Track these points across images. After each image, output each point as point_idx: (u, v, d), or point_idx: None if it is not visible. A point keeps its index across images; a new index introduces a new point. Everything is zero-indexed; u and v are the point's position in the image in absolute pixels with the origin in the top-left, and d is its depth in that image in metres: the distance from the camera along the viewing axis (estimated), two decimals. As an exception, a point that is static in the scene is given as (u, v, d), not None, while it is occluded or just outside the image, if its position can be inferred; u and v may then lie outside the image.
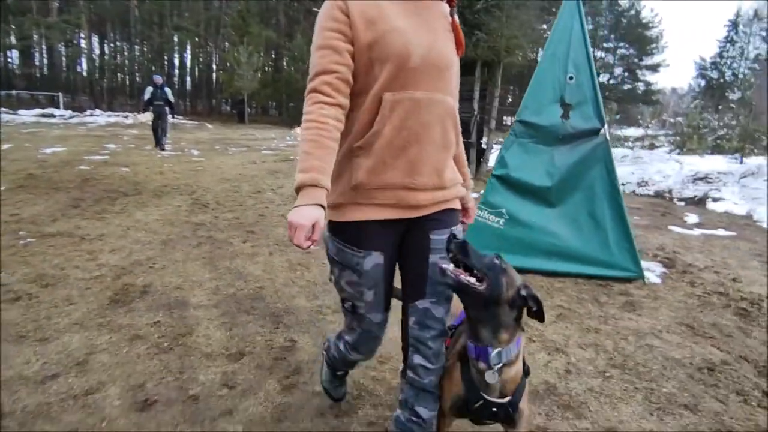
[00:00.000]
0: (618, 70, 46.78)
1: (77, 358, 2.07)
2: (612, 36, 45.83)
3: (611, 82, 45.55)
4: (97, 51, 39.77)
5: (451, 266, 1.21)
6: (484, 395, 1.23)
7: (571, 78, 3.45)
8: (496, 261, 1.20)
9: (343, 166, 1.26)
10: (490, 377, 1.19)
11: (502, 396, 1.23)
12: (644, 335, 2.57)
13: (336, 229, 1.30)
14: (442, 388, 1.35)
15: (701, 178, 7.67)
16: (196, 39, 39.00)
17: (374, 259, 1.28)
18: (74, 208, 4.94)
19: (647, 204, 6.94)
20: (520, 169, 3.47)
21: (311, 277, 3.23)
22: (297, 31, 33.39)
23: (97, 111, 29.80)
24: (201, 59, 42.63)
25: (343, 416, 1.78)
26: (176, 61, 42.64)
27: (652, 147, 17.38)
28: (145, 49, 38.13)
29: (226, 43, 36.85)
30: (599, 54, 45.45)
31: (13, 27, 31.81)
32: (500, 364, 1.18)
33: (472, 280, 1.18)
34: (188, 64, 43.19)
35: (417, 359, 1.32)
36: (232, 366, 2.07)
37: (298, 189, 1.11)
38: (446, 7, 1.33)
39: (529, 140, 3.49)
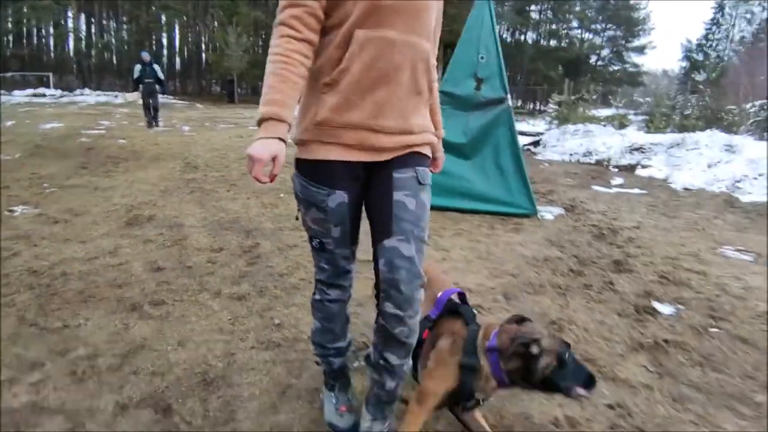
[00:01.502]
0: (605, 52, 47.41)
1: (109, 251, 3.04)
2: (600, 17, 46.32)
3: (599, 63, 46.32)
4: (84, 31, 39.79)
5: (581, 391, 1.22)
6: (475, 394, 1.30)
7: (482, 57, 4.39)
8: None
9: (309, 101, 1.23)
10: None
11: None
12: (512, 244, 3.58)
13: (301, 166, 1.28)
14: (435, 379, 1.33)
15: (637, 149, 8.67)
16: (184, 18, 39.13)
17: (338, 198, 1.25)
18: (83, 169, 5.85)
19: (585, 170, 7.94)
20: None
21: (278, 212, 4.20)
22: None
23: (87, 90, 30.22)
24: (190, 39, 42.76)
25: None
26: (164, 41, 42.73)
27: (622, 126, 18.38)
28: (133, 28, 38.19)
29: (216, 23, 37.08)
30: (587, 35, 46.20)
31: (10, 11, 31.92)
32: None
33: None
34: (177, 44, 43.30)
35: (387, 307, 1.23)
36: (214, 254, 3.06)
37: (260, 122, 1.09)
38: None
39: (448, 107, 4.42)
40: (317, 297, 1.46)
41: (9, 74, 31.49)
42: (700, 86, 22.94)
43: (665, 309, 2.56)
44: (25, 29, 36.27)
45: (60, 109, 17.70)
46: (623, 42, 46.21)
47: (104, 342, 1.99)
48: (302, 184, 1.28)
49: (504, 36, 47.77)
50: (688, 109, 17.82)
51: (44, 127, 10.61)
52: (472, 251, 3.36)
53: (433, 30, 1.29)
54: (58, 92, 27.78)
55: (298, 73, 1.12)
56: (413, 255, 1.22)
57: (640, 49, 46.09)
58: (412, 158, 1.30)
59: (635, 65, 46.76)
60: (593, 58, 46.12)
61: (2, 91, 26.23)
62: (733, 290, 2.88)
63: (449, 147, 4.49)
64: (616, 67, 47.05)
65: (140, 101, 11.73)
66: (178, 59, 43.57)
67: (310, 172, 1.25)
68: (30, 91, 27.72)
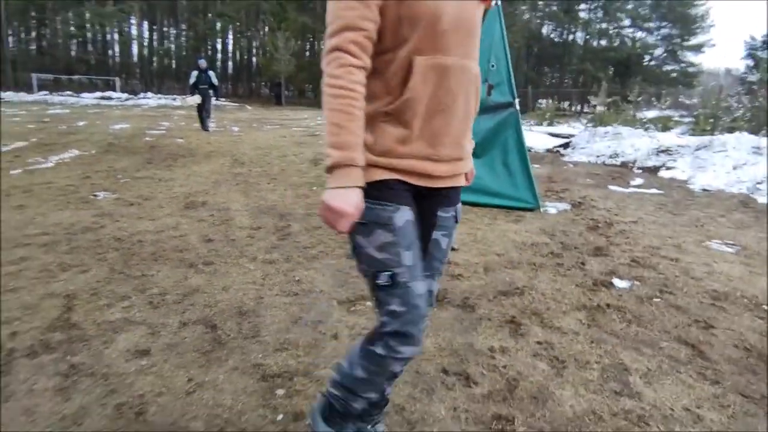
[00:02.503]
0: (658, 51, 45.67)
1: (172, 226, 3.81)
2: (654, 15, 44.67)
3: (651, 63, 44.73)
4: (146, 37, 42.67)
5: None
6: None
7: (492, 66, 4.90)
8: None
9: (365, 128, 1.12)
10: None
11: None
12: (507, 232, 4.08)
13: (373, 192, 1.13)
14: None
15: (663, 151, 8.81)
16: (237, 24, 41.23)
17: (406, 215, 1.15)
18: (149, 164, 6.79)
19: (607, 171, 8.20)
20: (455, 131, 4.98)
21: (309, 201, 4.88)
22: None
23: (149, 94, 32.50)
24: (241, 44, 44.93)
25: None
26: (219, 47, 45.12)
27: (665, 128, 18.03)
28: (191, 35, 40.60)
29: (266, 28, 38.87)
30: (639, 34, 44.72)
31: (71, 17, 34.83)
32: None
33: None
34: (230, 49, 45.62)
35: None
36: (253, 231, 3.76)
37: (333, 167, 1.03)
38: None
39: (460, 111, 4.97)
40: (380, 352, 1.19)
41: (76, 77, 34.36)
42: (754, 86, 22.04)
43: (621, 284, 3.01)
44: (90, 34, 39.36)
45: (126, 111, 19.41)
46: (679, 40, 44.32)
47: (171, 286, 2.71)
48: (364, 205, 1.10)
49: (551, 36, 47.12)
50: (739, 110, 17.27)
51: (114, 128, 11.90)
52: (468, 236, 3.90)
53: (478, 52, 1.25)
54: (124, 95, 30.11)
55: (362, 107, 1.07)
56: (434, 288, 1.33)
57: (697, 48, 44.02)
58: (455, 193, 1.30)
59: (692, 64, 44.63)
60: (646, 58, 44.59)
61: (68, 93, 28.77)
62: (696, 273, 3.28)
63: (460, 146, 5.08)
64: (670, 67, 45.17)
65: (197, 104, 12.10)
66: (230, 63, 45.89)
67: (369, 190, 1.09)
68: (98, 94, 30.17)
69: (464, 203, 4.61)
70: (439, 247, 1.30)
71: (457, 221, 1.33)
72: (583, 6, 43.07)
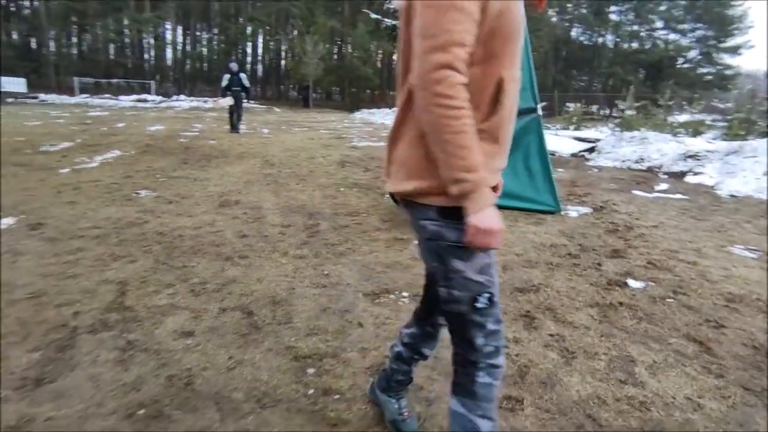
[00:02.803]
0: (692, 53, 44.47)
1: (209, 222, 4.08)
2: (688, 17, 43.55)
3: (685, 66, 43.58)
4: (180, 42, 44.04)
5: None
6: None
7: (515, 73, 5.02)
8: None
9: None
10: None
11: None
12: (527, 233, 4.20)
13: (453, 213, 1.09)
14: None
15: (691, 156, 8.71)
16: (267, 28, 42.14)
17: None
18: (185, 164, 7.14)
19: (632, 176, 8.18)
20: (478, 135, 5.13)
21: (337, 202, 5.10)
22: (359, 21, 35.33)
23: (182, 96, 33.54)
24: (271, 48, 45.86)
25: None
26: (249, 50, 46.19)
27: (696, 133, 17.63)
28: (222, 39, 41.69)
29: (295, 32, 39.60)
30: (672, 36, 43.62)
31: (111, 22, 36.27)
32: None
33: None
34: (260, 52, 46.62)
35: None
36: (284, 228, 4.00)
37: (471, 191, 1.01)
38: None
39: (483, 116, 5.12)
40: (486, 380, 1.19)
41: (114, 81, 35.75)
42: (794, 90, 21.25)
43: (636, 284, 3.11)
44: (128, 39, 40.88)
45: (160, 113, 20.15)
46: (714, 42, 43.04)
47: (210, 276, 2.95)
48: (462, 229, 1.07)
49: (580, 39, 46.47)
50: (777, 114, 16.76)
51: (150, 129, 12.43)
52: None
53: None
54: (158, 98, 31.18)
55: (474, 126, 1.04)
56: None
57: (734, 50, 42.69)
58: None
59: (729, 67, 43.24)
60: (679, 61, 43.47)
61: (107, 95, 29.97)
62: (712, 276, 3.34)
63: (483, 150, 5.22)
64: (704, 70, 43.89)
65: (229, 106, 12.31)
66: (260, 66, 46.87)
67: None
68: (134, 96, 31.33)
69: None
70: None
71: None
72: (613, 8, 42.39)
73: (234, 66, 12.40)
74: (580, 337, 2.37)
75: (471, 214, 1.03)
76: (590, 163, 9.44)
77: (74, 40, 41.59)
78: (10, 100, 25.20)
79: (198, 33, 44.76)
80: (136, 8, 36.38)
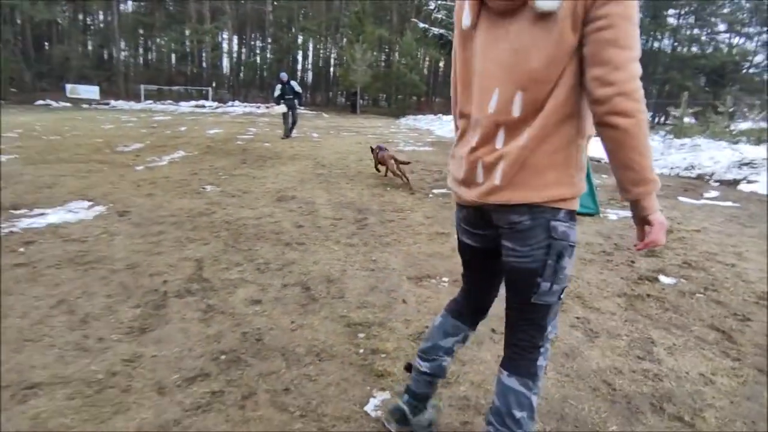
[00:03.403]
0: (759, 58, 41.98)
1: (268, 214, 4.52)
2: (754, 19, 41.22)
3: (751, 71, 41.24)
4: (235, 51, 46.18)
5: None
6: None
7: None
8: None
9: (578, 154, 1.20)
10: None
11: None
12: (565, 232, 4.37)
13: (574, 216, 1.25)
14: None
15: (746, 164, 8.46)
16: (319, 37, 43.47)
17: None
18: (243, 164, 7.73)
19: (680, 183, 8.06)
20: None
21: (384, 200, 5.45)
22: (407, 29, 35.87)
23: (236, 102, 35.19)
24: (321, 56, 47.24)
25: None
26: (299, 58, 47.78)
27: (760, 141, 16.78)
28: (275, 48, 43.36)
29: (344, 40, 40.66)
30: (737, 40, 41.41)
31: (173, 34, 38.63)
32: None
33: None
34: (310, 60, 48.10)
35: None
36: (336, 221, 4.38)
37: (654, 190, 1.12)
38: None
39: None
40: (544, 362, 1.37)
41: (175, 88, 37.96)
42: None
43: (667, 280, 3.25)
44: (189, 50, 43.30)
45: (217, 118, 21.34)
46: (786, 46, 40.39)
47: (272, 258, 3.36)
48: (575, 229, 1.25)
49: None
50: None
51: (209, 133, 13.31)
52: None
53: None
54: (215, 104, 32.88)
55: None
56: None
57: (808, 54, 39.89)
58: None
59: (800, 71, 40.38)
60: (743, 66, 41.15)
61: (168, 101, 31.92)
62: (749, 277, 3.42)
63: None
64: (774, 75, 41.20)
65: (283, 113, 12.59)
66: (310, 73, 48.34)
67: (573, 214, 1.25)
68: (193, 102, 33.20)
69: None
70: None
71: None
72: (671, 11, 40.75)
73: (284, 76, 12.60)
74: (605, 321, 2.58)
75: (655, 211, 1.13)
76: (637, 170, 9.33)
77: (141, 50, 44.48)
78: (85, 106, 27.43)
79: (252, 42, 46.80)
80: (197, 20, 38.53)
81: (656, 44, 43.47)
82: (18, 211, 4.26)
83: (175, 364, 2.05)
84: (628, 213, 5.36)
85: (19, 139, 9.70)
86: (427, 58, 40.01)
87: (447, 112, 33.71)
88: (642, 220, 1.16)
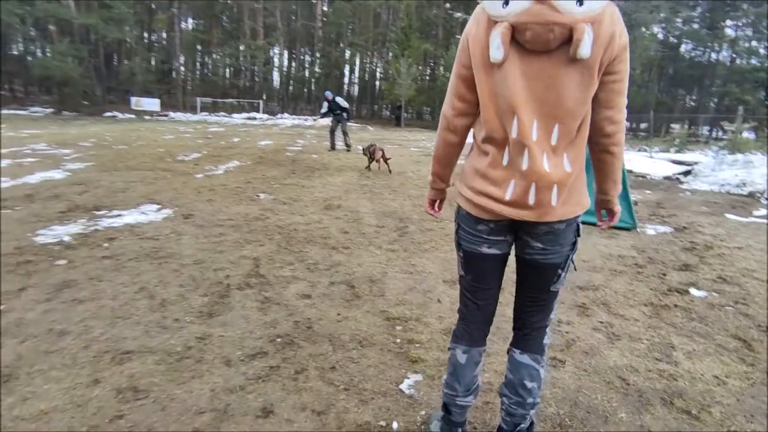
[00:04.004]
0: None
1: (317, 221, 4.89)
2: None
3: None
4: (285, 65, 48.03)
5: None
6: None
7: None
8: None
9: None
10: None
11: None
12: (599, 245, 4.50)
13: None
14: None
15: (803, 182, 8.15)
16: (366, 52, 44.55)
17: None
18: (293, 174, 8.22)
19: (728, 200, 7.87)
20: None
21: (424, 210, 5.72)
22: (453, 43, 36.20)
23: (285, 115, 36.56)
24: (366, 70, 48.30)
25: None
26: (347, 71, 49.06)
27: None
28: (323, 62, 44.78)
29: (390, 54, 41.48)
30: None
31: (228, 49, 40.70)
32: None
33: None
34: (356, 74, 49.28)
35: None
36: (378, 228, 4.70)
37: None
38: None
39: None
40: (548, 340, 1.65)
41: (229, 100, 39.89)
42: None
43: (698, 293, 3.35)
44: (242, 65, 45.42)
45: (267, 130, 22.33)
46: None
47: (320, 259, 3.71)
48: None
49: (691, 56, 43.23)
50: None
51: (261, 144, 14.05)
52: (561, 245, 4.41)
53: None
54: (265, 116, 34.32)
55: None
56: None
57: None
58: None
59: None
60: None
61: (222, 113, 33.59)
62: (784, 294, 3.45)
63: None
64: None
65: (330, 125, 13.11)
66: (356, 87, 49.46)
67: None
68: (245, 114, 34.75)
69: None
70: None
71: None
72: (729, 22, 39.07)
73: (329, 94, 12.76)
74: (628, 326, 2.74)
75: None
76: (684, 186, 9.17)
77: (198, 65, 47.07)
78: (147, 117, 29.35)
79: (302, 57, 48.54)
80: (251, 36, 40.47)
81: (714, 55, 41.71)
82: (99, 212, 4.84)
83: (238, 343, 2.40)
84: (665, 228, 5.40)
85: (93, 148, 10.68)
86: (472, 72, 40.12)
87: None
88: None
